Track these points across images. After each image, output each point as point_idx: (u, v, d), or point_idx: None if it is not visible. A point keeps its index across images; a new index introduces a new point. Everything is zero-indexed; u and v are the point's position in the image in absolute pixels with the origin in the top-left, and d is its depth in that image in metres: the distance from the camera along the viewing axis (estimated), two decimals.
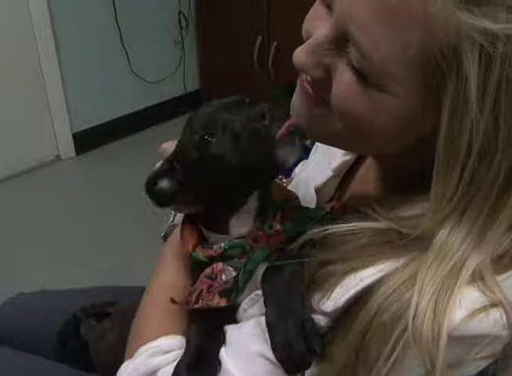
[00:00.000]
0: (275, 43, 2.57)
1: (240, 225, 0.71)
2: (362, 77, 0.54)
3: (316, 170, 0.88)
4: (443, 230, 0.55)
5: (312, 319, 0.60)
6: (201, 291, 0.69)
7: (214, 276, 0.69)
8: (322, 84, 0.59)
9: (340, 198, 0.81)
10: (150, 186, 0.74)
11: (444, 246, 0.54)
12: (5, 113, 2.67)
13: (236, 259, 0.69)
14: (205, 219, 0.74)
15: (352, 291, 0.56)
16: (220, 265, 0.69)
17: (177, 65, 3.16)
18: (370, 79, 0.53)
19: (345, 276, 0.58)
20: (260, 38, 2.66)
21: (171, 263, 0.81)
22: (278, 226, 0.69)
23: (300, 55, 0.59)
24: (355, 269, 0.57)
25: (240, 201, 0.70)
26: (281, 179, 0.97)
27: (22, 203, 2.61)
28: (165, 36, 3.09)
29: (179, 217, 0.88)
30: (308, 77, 0.62)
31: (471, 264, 0.54)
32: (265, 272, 0.67)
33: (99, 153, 2.98)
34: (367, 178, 0.76)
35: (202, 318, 0.71)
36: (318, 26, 0.58)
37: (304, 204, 0.78)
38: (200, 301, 0.69)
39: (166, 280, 0.79)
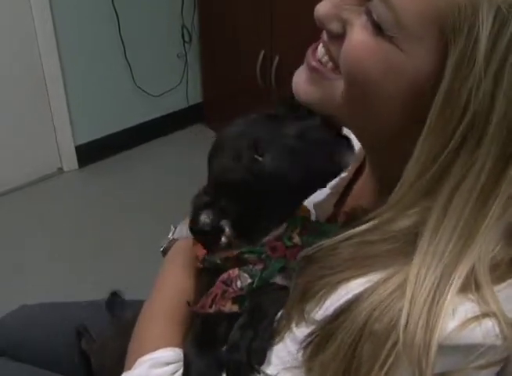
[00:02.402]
0: (277, 57, 2.59)
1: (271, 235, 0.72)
2: (378, 30, 0.54)
3: None
4: (426, 231, 0.54)
5: (268, 338, 0.63)
6: (216, 296, 0.70)
7: (229, 281, 0.70)
8: (335, 44, 0.60)
9: (339, 213, 0.81)
10: (194, 223, 0.73)
11: (429, 248, 0.54)
12: (8, 126, 2.68)
13: (250, 266, 0.70)
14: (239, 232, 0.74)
15: (342, 300, 0.57)
16: (236, 271, 0.70)
17: (180, 78, 3.18)
18: (386, 31, 0.54)
19: (337, 286, 0.58)
20: (263, 52, 2.67)
21: (176, 270, 0.81)
22: (297, 239, 0.70)
23: (323, 7, 0.60)
24: (346, 280, 0.58)
25: (288, 214, 0.72)
26: None
27: (25, 215, 2.62)
28: (168, 50, 3.10)
29: (179, 232, 0.88)
30: (319, 49, 0.63)
31: (463, 268, 0.53)
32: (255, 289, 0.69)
33: (101, 166, 2.98)
34: (363, 193, 0.77)
35: (201, 340, 0.72)
36: None
37: None
38: (214, 305, 0.69)
39: (171, 288, 0.79)
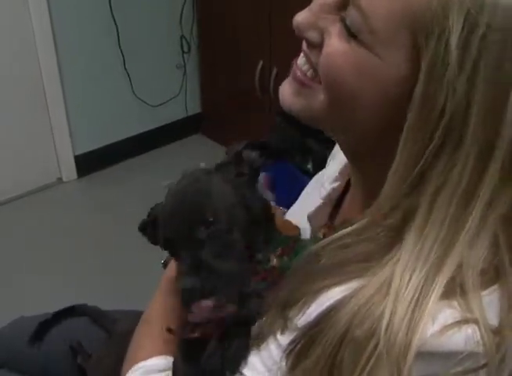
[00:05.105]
0: (275, 68, 2.60)
1: None
2: (352, 36, 0.56)
3: (308, 199, 0.89)
4: (411, 233, 0.55)
5: (244, 347, 0.64)
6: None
7: None
8: (313, 53, 0.61)
9: (331, 225, 0.82)
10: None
11: (414, 250, 0.54)
12: (8, 135, 2.68)
13: None
14: None
15: (323, 307, 0.57)
16: None
17: (179, 89, 3.19)
18: (360, 36, 0.55)
19: (318, 293, 0.59)
20: (261, 63, 2.68)
21: (168, 290, 0.82)
22: (275, 261, 0.70)
23: (300, 16, 0.61)
24: (327, 287, 0.58)
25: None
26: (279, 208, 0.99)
27: (24, 225, 2.62)
28: (167, 60, 3.12)
29: None
30: (301, 58, 0.64)
31: (447, 271, 0.53)
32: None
33: (100, 176, 2.99)
34: (354, 203, 0.77)
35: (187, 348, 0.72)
36: None
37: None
38: (197, 331, 0.70)
39: (162, 307, 0.81)
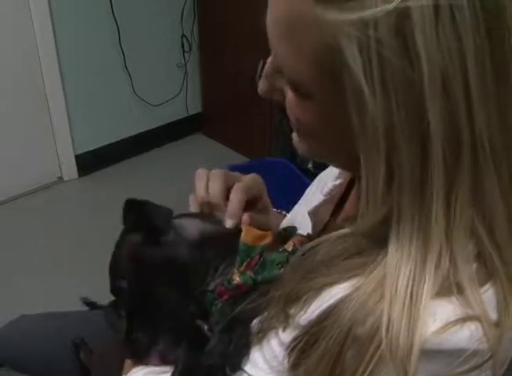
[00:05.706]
0: None
1: None
2: (293, 89, 0.59)
3: (311, 198, 0.89)
4: (392, 234, 0.55)
5: (243, 344, 0.65)
6: None
7: None
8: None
9: (328, 225, 0.81)
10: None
11: (398, 248, 0.55)
12: (9, 135, 2.69)
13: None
14: None
15: (325, 305, 0.57)
16: None
17: (180, 88, 3.19)
18: (298, 89, 0.58)
19: (320, 291, 0.58)
20: (262, 62, 2.68)
21: None
22: (237, 279, 0.70)
23: (261, 84, 0.67)
24: (329, 285, 0.58)
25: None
26: (281, 212, 0.98)
27: (24, 224, 2.62)
28: (168, 59, 3.12)
29: None
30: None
31: (430, 268, 0.53)
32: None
33: (101, 175, 2.99)
34: (354, 203, 0.77)
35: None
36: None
37: (300, 230, 0.79)
38: None
39: None
